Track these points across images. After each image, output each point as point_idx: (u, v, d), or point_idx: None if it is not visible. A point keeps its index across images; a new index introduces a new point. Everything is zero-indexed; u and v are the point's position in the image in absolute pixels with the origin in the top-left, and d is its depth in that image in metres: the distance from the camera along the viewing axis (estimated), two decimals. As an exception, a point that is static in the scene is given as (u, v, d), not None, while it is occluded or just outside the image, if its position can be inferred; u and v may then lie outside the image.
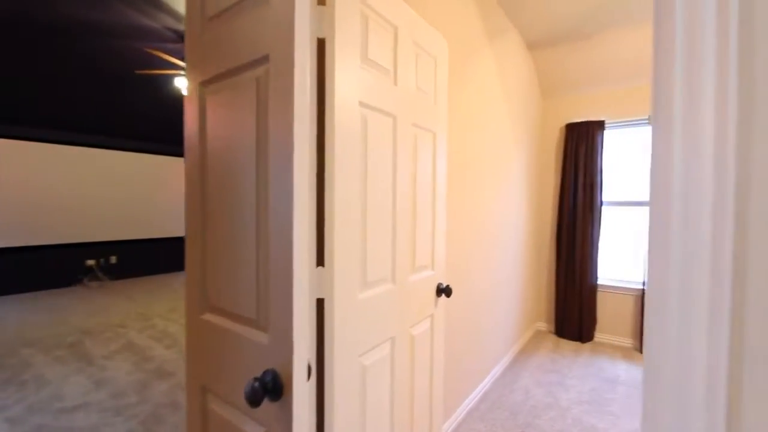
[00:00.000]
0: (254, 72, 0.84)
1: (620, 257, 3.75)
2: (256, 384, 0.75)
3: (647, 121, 3.48)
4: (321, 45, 1.01)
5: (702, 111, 0.57)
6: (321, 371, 1.04)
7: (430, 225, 1.58)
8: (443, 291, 1.65)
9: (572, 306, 3.71)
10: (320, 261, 1.06)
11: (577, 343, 3.62)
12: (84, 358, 3.13)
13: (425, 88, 1.50)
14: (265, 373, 0.79)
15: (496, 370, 2.87)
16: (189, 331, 1.03)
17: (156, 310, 4.50)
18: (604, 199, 3.69)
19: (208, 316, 0.97)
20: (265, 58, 0.82)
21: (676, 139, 0.60)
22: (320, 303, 1.07)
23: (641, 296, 3.45)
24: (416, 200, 1.46)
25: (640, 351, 3.39)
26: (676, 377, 0.62)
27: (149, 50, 3.54)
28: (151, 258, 6.66)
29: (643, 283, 3.41)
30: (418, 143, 1.46)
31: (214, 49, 0.96)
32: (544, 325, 4.01)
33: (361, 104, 1.13)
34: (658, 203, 0.63)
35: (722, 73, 0.54)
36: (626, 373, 2.98)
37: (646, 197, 3.55)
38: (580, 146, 3.71)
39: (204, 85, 0.98)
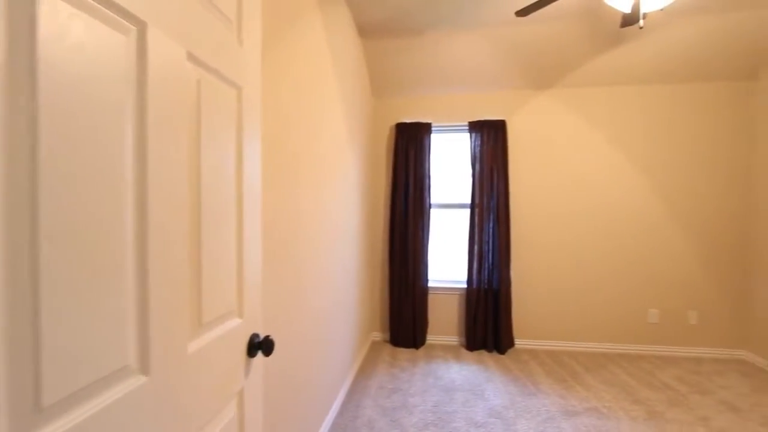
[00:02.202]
0: None
1: (445, 258, 3.86)
2: None
3: (466, 128, 3.66)
4: None
5: None
6: None
7: (233, 244, 0.93)
8: (259, 347, 1.03)
9: (406, 311, 3.60)
10: None
11: (413, 350, 3.51)
12: None
13: (219, 3, 0.86)
14: None
15: (336, 406, 2.39)
16: None
17: None
18: (431, 201, 3.71)
19: None
20: None
21: None
22: None
23: (465, 294, 3.59)
24: (202, 203, 0.80)
25: (467, 348, 3.52)
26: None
27: None
28: None
29: (467, 282, 3.55)
30: (206, 99, 0.81)
31: None
32: (379, 334, 3.80)
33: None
34: None
35: None
36: (459, 375, 2.97)
37: (467, 200, 3.73)
38: (410, 147, 3.64)
39: None
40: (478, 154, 3.55)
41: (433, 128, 3.71)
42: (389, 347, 3.59)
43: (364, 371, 3.04)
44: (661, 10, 2.20)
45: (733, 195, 3.37)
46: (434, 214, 3.82)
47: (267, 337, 1.03)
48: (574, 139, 3.54)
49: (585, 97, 3.51)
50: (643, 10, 1.85)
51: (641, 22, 1.84)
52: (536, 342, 3.57)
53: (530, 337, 3.59)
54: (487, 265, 3.53)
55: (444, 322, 3.70)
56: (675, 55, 3.11)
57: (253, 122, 1.02)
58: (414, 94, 3.72)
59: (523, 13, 2.19)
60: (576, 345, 3.52)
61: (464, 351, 3.49)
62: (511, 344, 3.52)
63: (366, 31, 3.05)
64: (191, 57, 0.75)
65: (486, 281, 3.53)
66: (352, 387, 2.76)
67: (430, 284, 3.70)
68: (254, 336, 1.02)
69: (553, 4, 2.53)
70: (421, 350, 3.52)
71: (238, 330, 0.95)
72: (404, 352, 3.46)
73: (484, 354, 3.43)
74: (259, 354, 1.05)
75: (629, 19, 2.14)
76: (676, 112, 3.41)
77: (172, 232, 0.69)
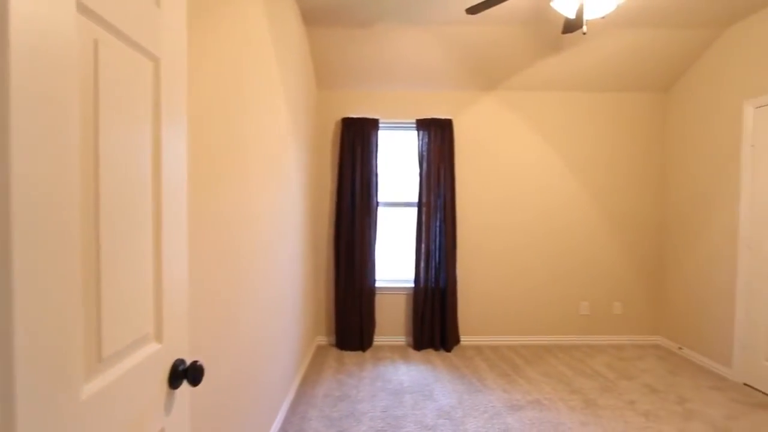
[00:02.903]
0: None
1: (392, 257, 3.80)
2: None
3: (414, 126, 3.62)
4: None
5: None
6: None
7: (149, 252, 0.75)
8: (185, 375, 0.85)
9: (353, 313, 3.48)
10: None
11: (359, 353, 3.40)
12: None
13: (126, -53, 0.67)
14: None
15: (278, 421, 2.21)
16: None
17: None
18: (378, 200, 3.62)
19: None
20: None
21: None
22: None
23: (413, 294, 3.56)
24: (101, 202, 0.62)
25: (414, 348, 3.49)
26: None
27: None
28: None
29: (414, 281, 3.52)
30: (106, 66, 0.62)
31: None
32: (325, 338, 3.65)
33: None
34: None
35: None
36: (408, 376, 2.93)
37: (414, 198, 3.69)
38: (357, 144, 3.51)
39: None
40: (425, 153, 3.53)
41: (380, 125, 3.62)
42: (335, 351, 3.45)
43: (309, 379, 2.88)
44: (602, 18, 2.33)
45: (650, 197, 3.70)
46: (381, 212, 3.73)
47: (194, 363, 0.85)
48: (515, 141, 3.65)
49: (527, 101, 3.64)
50: (586, 16, 1.91)
51: (584, 28, 1.89)
52: (480, 338, 3.65)
53: (474, 333, 3.66)
54: (434, 264, 3.53)
55: (391, 322, 3.64)
56: (612, 66, 3.33)
57: (176, 104, 0.84)
58: (361, 88, 3.60)
59: (473, 10, 2.16)
60: (516, 338, 3.66)
61: (411, 351, 3.46)
62: (457, 341, 3.56)
63: (311, 18, 2.87)
64: (84, 9, 0.57)
65: (433, 280, 3.52)
66: (297, 398, 2.59)
67: (377, 284, 3.62)
68: (178, 362, 0.85)
69: (503, 4, 2.56)
70: (368, 352, 3.43)
71: (155, 358, 0.78)
72: (351, 356, 3.34)
73: (431, 353, 3.43)
74: (185, 384, 0.87)
75: (571, 26, 2.22)
76: (606, 119, 3.66)
77: (51, 243, 0.51)
